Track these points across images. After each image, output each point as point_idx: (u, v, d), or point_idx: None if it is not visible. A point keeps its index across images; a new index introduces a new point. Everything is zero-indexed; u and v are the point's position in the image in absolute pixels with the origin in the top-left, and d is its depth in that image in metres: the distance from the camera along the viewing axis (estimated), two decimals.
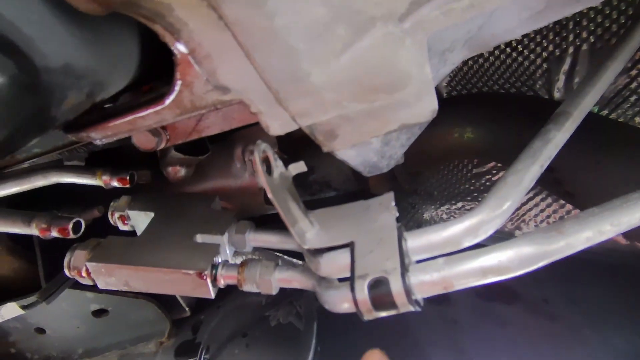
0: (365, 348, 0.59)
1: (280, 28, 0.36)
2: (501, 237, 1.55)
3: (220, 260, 0.71)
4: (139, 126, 0.45)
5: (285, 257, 1.15)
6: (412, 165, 1.17)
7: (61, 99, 0.31)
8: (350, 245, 0.53)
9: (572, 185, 0.79)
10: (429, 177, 1.53)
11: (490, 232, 0.49)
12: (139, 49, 0.40)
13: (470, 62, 1.28)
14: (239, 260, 0.73)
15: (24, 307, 0.91)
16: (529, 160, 0.54)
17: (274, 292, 0.66)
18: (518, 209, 1.36)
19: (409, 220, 1.63)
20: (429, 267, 0.46)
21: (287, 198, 0.53)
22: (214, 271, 0.68)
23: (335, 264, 0.54)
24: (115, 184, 0.80)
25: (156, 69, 0.45)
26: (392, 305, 0.46)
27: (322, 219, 0.58)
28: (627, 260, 0.98)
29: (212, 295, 0.68)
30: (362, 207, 0.58)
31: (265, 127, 0.45)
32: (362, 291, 0.47)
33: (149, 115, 0.42)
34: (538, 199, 1.30)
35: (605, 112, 1.15)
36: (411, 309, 0.46)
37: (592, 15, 1.10)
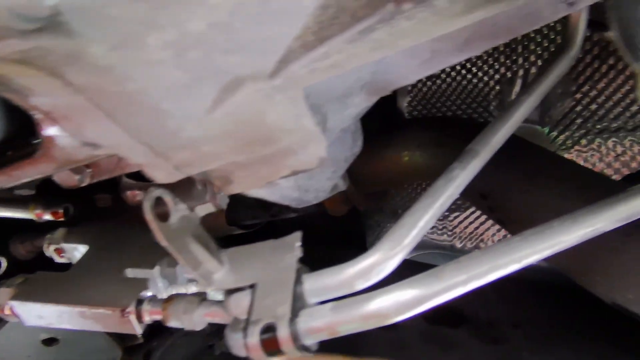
0: None
1: (135, 92, 0.37)
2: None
3: (149, 295, 0.71)
4: (22, 177, 0.46)
5: None
6: (365, 188, 1.18)
7: None
8: (252, 287, 0.53)
9: (502, 213, 0.80)
10: (393, 195, 1.54)
11: (383, 274, 0.50)
12: None
13: (429, 83, 1.30)
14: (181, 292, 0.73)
15: None
16: (429, 200, 0.55)
17: (198, 328, 0.67)
18: (477, 228, 1.38)
19: (375, 238, 1.64)
20: (316, 313, 0.47)
21: (187, 242, 0.53)
22: (139, 307, 0.68)
23: (240, 306, 0.54)
24: (48, 217, 0.81)
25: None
26: (280, 351, 0.46)
27: (234, 258, 0.59)
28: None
29: (139, 332, 0.68)
30: (271, 247, 0.59)
31: (150, 177, 0.46)
32: (254, 336, 0.48)
33: (27, 169, 0.43)
34: None
35: (554, 134, 1.16)
36: (299, 355, 0.46)
37: (539, 40, 1.12)
